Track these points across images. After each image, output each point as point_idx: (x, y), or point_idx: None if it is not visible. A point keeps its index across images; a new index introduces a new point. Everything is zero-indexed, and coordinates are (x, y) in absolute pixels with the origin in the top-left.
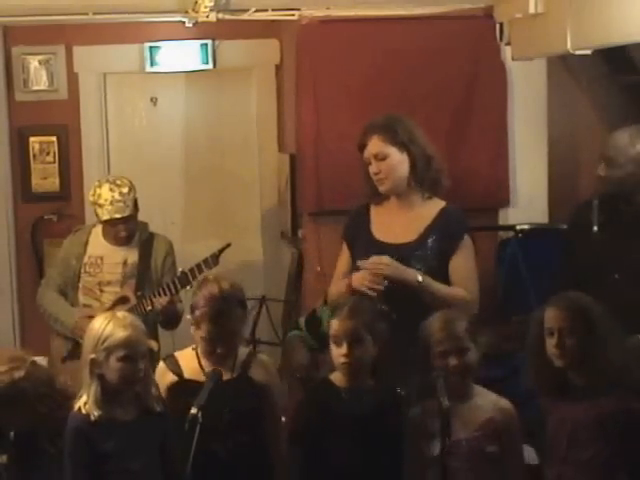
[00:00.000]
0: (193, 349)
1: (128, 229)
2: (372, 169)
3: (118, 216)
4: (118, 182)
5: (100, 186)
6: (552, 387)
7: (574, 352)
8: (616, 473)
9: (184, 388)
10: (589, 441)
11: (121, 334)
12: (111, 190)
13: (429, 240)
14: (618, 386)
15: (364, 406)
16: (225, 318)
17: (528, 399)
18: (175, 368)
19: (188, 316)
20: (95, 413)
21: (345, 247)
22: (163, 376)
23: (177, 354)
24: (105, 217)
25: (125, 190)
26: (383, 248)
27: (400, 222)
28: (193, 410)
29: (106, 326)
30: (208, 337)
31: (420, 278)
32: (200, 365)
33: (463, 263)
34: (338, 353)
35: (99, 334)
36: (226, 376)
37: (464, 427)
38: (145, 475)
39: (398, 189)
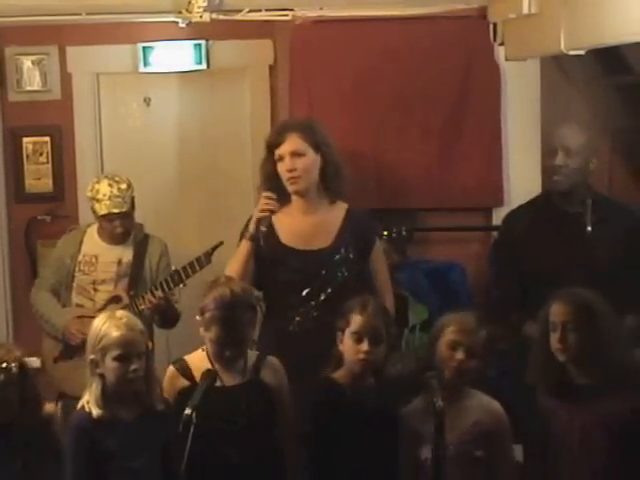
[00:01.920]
0: (203, 350)
1: (125, 225)
2: (285, 166)
3: (116, 211)
4: (117, 179)
5: (99, 182)
6: (555, 384)
7: (577, 347)
8: (629, 476)
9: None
10: (600, 444)
11: (115, 334)
12: (110, 185)
13: (345, 243)
14: (623, 386)
15: (367, 404)
16: (235, 322)
17: (521, 399)
18: (186, 372)
19: (198, 317)
20: (96, 412)
21: (247, 245)
22: (174, 381)
23: (187, 358)
24: (103, 212)
25: (123, 186)
26: (302, 256)
27: (307, 227)
28: (187, 411)
29: (102, 326)
30: (217, 340)
31: None
32: (213, 368)
33: (380, 267)
34: (357, 349)
35: (96, 334)
36: (237, 380)
37: (453, 430)
38: (146, 474)
39: (308, 190)
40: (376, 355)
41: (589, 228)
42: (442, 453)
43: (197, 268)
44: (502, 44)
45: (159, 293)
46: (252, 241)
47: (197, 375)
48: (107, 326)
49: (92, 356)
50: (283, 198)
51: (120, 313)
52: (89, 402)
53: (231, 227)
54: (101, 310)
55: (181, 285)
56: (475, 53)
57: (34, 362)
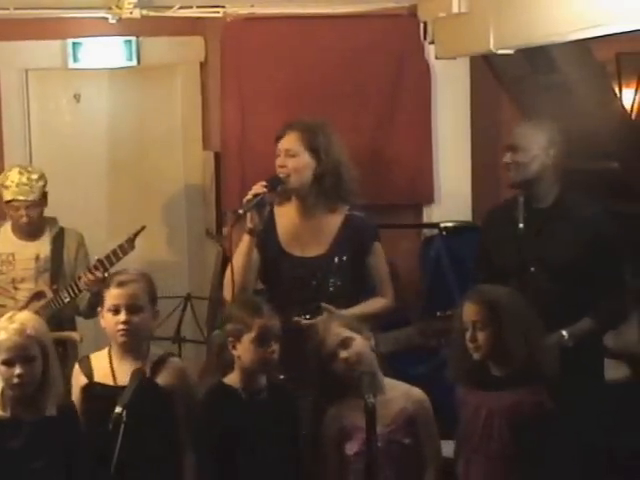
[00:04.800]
0: (108, 351)
1: (30, 216)
2: (278, 161)
3: (21, 198)
4: (29, 169)
5: (10, 170)
6: (473, 381)
7: (487, 344)
8: (522, 465)
9: (93, 391)
10: (500, 431)
11: (1, 338)
12: (20, 173)
13: (340, 251)
14: (538, 381)
15: (261, 405)
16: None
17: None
18: (87, 371)
19: (99, 308)
20: None
21: (247, 240)
22: (77, 378)
23: (92, 356)
24: (8, 197)
25: (34, 177)
26: (296, 262)
27: (305, 232)
28: (117, 409)
29: None
30: None
31: None
32: (111, 367)
33: (378, 267)
34: (263, 351)
35: None
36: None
37: (380, 421)
38: (47, 475)
39: (300, 192)
40: (277, 354)
41: (515, 225)
42: (375, 449)
43: (120, 255)
44: (432, 43)
45: (90, 277)
46: (251, 235)
47: (96, 374)
48: None
49: None
50: (285, 193)
51: (18, 316)
52: None
53: (161, 223)
54: (24, 308)
55: (105, 274)
56: (405, 51)
57: None
